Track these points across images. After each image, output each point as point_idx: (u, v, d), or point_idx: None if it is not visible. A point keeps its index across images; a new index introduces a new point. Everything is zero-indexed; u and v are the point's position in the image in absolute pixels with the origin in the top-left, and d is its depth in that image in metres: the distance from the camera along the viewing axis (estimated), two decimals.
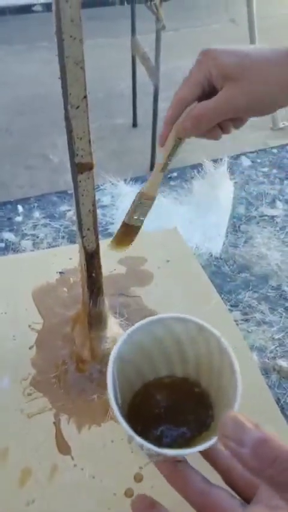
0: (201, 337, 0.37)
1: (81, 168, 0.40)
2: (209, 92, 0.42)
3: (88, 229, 0.44)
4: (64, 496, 0.43)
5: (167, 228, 0.73)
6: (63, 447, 0.47)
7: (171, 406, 0.38)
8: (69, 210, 0.78)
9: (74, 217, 0.77)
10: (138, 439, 0.31)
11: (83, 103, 0.37)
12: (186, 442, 0.36)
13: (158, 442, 0.35)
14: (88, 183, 0.41)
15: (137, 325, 0.36)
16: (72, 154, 0.39)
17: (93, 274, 0.47)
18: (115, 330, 0.54)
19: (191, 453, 0.31)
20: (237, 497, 0.32)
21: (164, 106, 2.09)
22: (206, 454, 0.34)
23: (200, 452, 0.32)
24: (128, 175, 2.20)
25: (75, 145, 0.38)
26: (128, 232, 0.49)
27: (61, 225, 0.75)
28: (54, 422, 0.49)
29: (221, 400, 0.35)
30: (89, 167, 0.40)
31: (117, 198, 0.81)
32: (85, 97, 0.36)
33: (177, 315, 0.37)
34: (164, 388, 0.39)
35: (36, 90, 2.81)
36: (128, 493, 0.43)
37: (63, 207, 0.78)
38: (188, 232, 0.73)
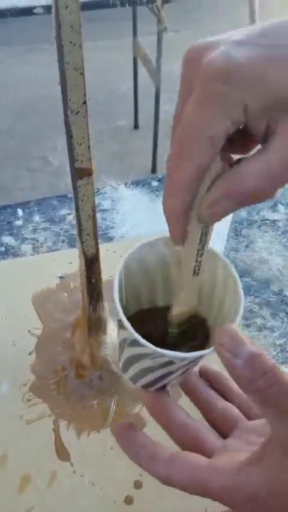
0: (207, 265, 0.32)
1: (80, 173, 0.39)
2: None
3: (88, 234, 0.44)
4: (63, 503, 0.42)
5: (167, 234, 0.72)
6: (62, 454, 0.46)
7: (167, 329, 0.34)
8: (70, 214, 0.78)
9: (74, 221, 0.77)
10: (143, 340, 0.28)
11: (82, 108, 0.37)
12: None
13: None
14: (88, 189, 0.40)
15: (142, 241, 0.32)
16: (72, 159, 0.39)
17: (93, 280, 0.47)
18: (115, 336, 0.54)
19: (189, 357, 0.29)
20: (216, 433, 0.32)
21: (165, 108, 2.10)
22: (188, 390, 0.34)
23: (182, 387, 0.33)
24: (129, 178, 2.20)
25: (75, 151, 0.38)
26: None
27: (61, 229, 0.75)
28: (53, 429, 0.48)
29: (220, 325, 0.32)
30: (88, 173, 0.40)
31: (117, 202, 0.81)
32: (84, 102, 0.36)
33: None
34: (160, 314, 0.35)
35: (36, 93, 2.81)
36: (128, 500, 0.43)
37: (64, 211, 0.78)
38: None
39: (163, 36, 1.73)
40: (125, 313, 0.30)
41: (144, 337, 0.30)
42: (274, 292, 1.26)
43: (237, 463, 0.27)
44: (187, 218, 0.27)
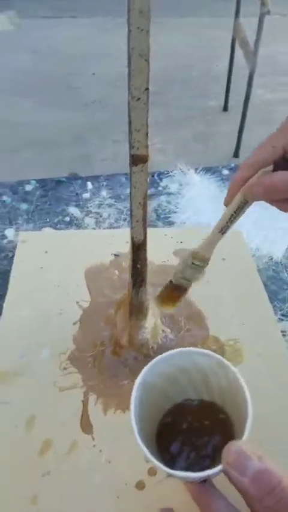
0: (221, 371, 0.38)
1: (136, 160, 0.39)
2: None
3: (137, 221, 0.44)
4: (78, 474, 0.44)
5: (232, 230, 0.71)
6: (86, 426, 0.48)
7: (198, 427, 0.39)
8: None
9: None
10: (156, 462, 0.34)
11: (144, 95, 0.36)
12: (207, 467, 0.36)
13: (181, 460, 0.37)
14: (141, 176, 0.40)
15: (159, 356, 0.39)
16: (129, 145, 0.39)
17: (138, 266, 0.48)
18: (154, 321, 0.54)
19: (195, 478, 0.32)
20: None
21: (257, 92, 2.02)
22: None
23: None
24: (209, 160, 2.15)
25: (132, 137, 0.38)
26: (175, 291, 0.47)
27: (125, 207, 0.75)
28: (82, 400, 0.50)
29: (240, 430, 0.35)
30: (143, 160, 0.39)
31: (184, 186, 0.79)
32: (147, 89, 0.36)
33: (199, 349, 0.39)
34: (193, 409, 0.41)
35: None
36: (140, 486, 0.44)
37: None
38: (251, 232, 0.70)
39: (266, 18, 1.65)
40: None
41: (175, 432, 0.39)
42: None
43: None
44: (238, 189, 0.38)
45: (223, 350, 0.55)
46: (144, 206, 0.43)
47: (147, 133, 0.38)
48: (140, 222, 0.44)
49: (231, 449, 0.28)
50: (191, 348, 0.40)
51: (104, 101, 2.59)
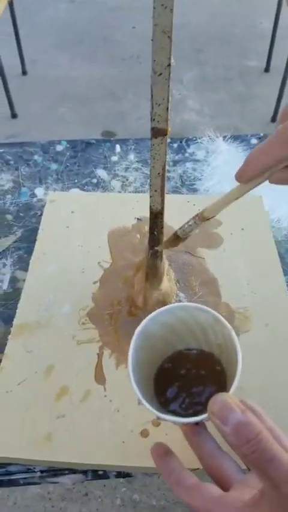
0: (218, 327, 0.42)
1: (156, 132, 0.41)
2: None
3: (155, 190, 0.46)
4: (89, 418, 0.49)
5: (253, 195, 0.71)
6: (99, 377, 0.52)
7: (195, 376, 0.42)
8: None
9: None
10: (145, 403, 0.38)
11: (166, 71, 0.37)
12: (199, 412, 0.40)
13: (175, 404, 0.42)
14: (161, 148, 0.42)
15: (161, 308, 0.43)
16: (150, 118, 0.41)
17: (155, 233, 0.50)
18: (169, 285, 0.57)
19: (184, 422, 0.36)
20: (241, 466, 0.38)
21: None
22: None
23: None
24: (244, 124, 2.11)
25: (153, 111, 0.40)
26: (176, 241, 0.49)
27: None
28: (97, 354, 0.54)
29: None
30: (163, 133, 0.41)
31: (211, 154, 0.80)
32: (169, 65, 0.37)
33: (198, 305, 0.43)
34: (192, 358, 0.44)
35: (178, 20, 2.72)
36: (144, 433, 0.48)
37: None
38: (274, 202, 0.71)
39: None
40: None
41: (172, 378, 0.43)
42: None
43: (241, 502, 0.31)
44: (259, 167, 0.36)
45: (233, 317, 0.58)
46: (163, 177, 0.45)
47: (167, 108, 0.40)
48: (158, 191, 0.46)
49: (217, 399, 0.31)
50: (190, 303, 0.44)
51: (142, 56, 2.54)
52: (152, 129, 0.41)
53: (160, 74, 0.37)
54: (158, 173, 0.44)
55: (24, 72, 2.53)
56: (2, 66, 2.10)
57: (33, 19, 2.82)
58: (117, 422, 0.49)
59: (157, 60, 0.37)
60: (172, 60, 0.37)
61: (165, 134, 0.41)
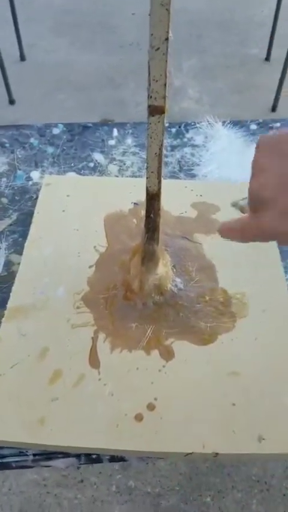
0: None
1: (153, 110, 0.40)
2: None
3: (152, 172, 0.45)
4: (82, 402, 0.48)
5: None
6: (94, 361, 0.52)
7: None
8: None
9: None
10: None
11: (163, 45, 0.36)
12: None
13: None
14: (158, 127, 0.41)
15: None
16: (147, 95, 0.40)
17: (152, 215, 0.49)
18: (165, 270, 0.56)
19: None
20: None
21: None
22: None
23: None
24: (245, 112, 2.09)
25: (150, 87, 0.39)
26: None
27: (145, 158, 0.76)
28: (92, 338, 0.54)
29: None
30: (160, 111, 0.40)
31: (210, 139, 0.79)
32: (167, 39, 0.36)
33: None
34: None
35: (180, 4, 2.68)
36: (138, 417, 0.48)
37: None
38: None
39: None
40: None
41: None
42: None
43: None
44: None
45: (230, 302, 0.57)
46: (160, 157, 0.44)
47: (165, 84, 0.39)
48: (155, 172, 0.45)
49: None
50: None
51: (142, 43, 2.50)
52: (149, 106, 0.40)
53: (158, 49, 0.36)
54: (155, 153, 0.43)
55: (22, 58, 2.50)
56: (0, 51, 2.07)
57: (31, 4, 2.78)
58: (112, 406, 0.48)
59: (155, 34, 0.36)
60: (170, 34, 0.36)
61: (163, 112, 0.40)
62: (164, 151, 0.78)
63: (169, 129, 0.81)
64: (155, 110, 0.40)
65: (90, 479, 1.23)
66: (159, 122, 0.41)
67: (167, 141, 0.79)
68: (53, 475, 1.23)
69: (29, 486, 1.22)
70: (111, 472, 1.24)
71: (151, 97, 0.39)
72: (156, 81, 0.38)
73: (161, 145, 0.43)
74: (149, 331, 0.54)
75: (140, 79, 2.25)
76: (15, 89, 2.21)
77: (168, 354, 0.52)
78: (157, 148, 0.43)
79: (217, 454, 0.46)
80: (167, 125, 0.78)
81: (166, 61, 0.37)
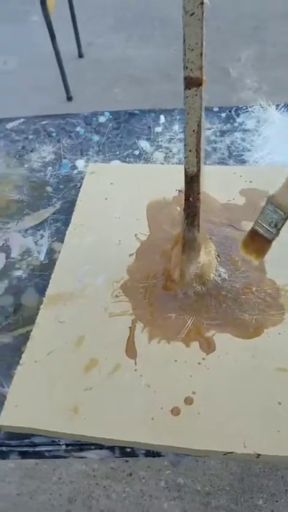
0: None
1: (189, 83, 0.37)
2: None
3: (190, 150, 0.42)
4: (117, 392, 0.47)
5: None
6: (131, 351, 0.50)
7: None
8: (210, 129, 0.75)
9: (212, 137, 0.75)
10: None
11: (198, 10, 0.34)
12: None
13: None
14: (195, 101, 0.38)
15: None
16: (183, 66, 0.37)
17: (191, 199, 0.46)
18: (208, 259, 0.53)
19: None
20: None
21: None
22: None
23: None
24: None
25: (186, 57, 0.36)
26: (257, 241, 0.45)
27: None
28: (130, 327, 0.52)
29: None
30: (197, 83, 0.37)
31: (262, 123, 0.74)
32: (202, 3, 0.33)
33: None
34: None
35: None
36: (174, 411, 0.45)
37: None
38: None
39: None
40: None
41: None
42: None
43: None
44: None
45: (278, 294, 0.53)
46: (198, 134, 0.41)
47: (201, 53, 0.36)
48: (194, 151, 0.42)
49: None
50: None
51: None
52: (185, 79, 0.37)
53: (192, 14, 0.34)
54: (193, 130, 0.40)
55: (80, 55, 2.53)
56: (58, 50, 2.11)
57: (90, 2, 2.81)
58: (147, 398, 0.46)
59: None
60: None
61: (200, 84, 0.37)
62: (213, 137, 0.75)
63: (219, 114, 0.78)
64: (192, 82, 0.37)
65: (138, 473, 1.22)
66: (196, 95, 0.38)
67: (216, 127, 0.76)
68: (102, 467, 1.23)
69: (78, 476, 1.23)
70: (160, 467, 1.22)
71: (187, 68, 0.36)
72: (192, 50, 0.35)
73: (200, 121, 0.40)
74: (189, 322, 0.51)
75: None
76: (73, 86, 2.24)
77: (208, 347, 0.49)
78: (195, 124, 0.40)
79: (259, 455, 0.42)
80: (216, 109, 0.75)
81: (202, 28, 0.34)
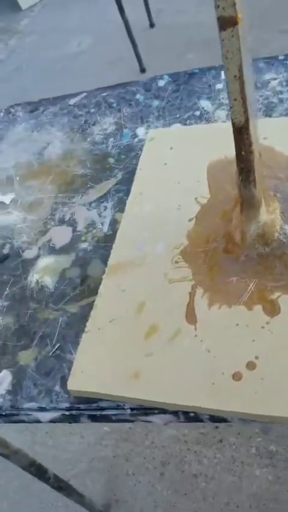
0: None
1: (223, 23, 0.34)
2: None
3: (235, 99, 0.39)
4: (178, 357, 0.46)
5: None
6: (191, 317, 0.49)
7: None
8: (275, 79, 0.70)
9: (278, 88, 0.69)
10: None
11: None
12: None
13: None
14: (233, 42, 0.35)
15: None
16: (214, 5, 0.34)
17: (243, 152, 0.43)
18: (270, 218, 0.50)
19: None
20: None
21: None
22: None
23: None
24: None
25: None
26: None
27: (261, 96, 0.67)
28: (189, 293, 0.51)
29: None
30: (232, 22, 0.34)
31: None
32: None
33: None
34: None
35: None
36: (236, 377, 0.44)
37: (269, 75, 0.70)
38: None
39: None
40: None
41: None
42: None
43: None
44: None
45: None
46: (241, 80, 0.38)
47: None
48: (239, 99, 0.39)
49: None
50: None
51: None
52: (218, 19, 0.34)
53: None
54: (235, 76, 0.37)
55: (151, 25, 2.49)
56: (129, 23, 2.08)
57: None
58: (208, 363, 0.45)
59: None
60: None
61: (235, 23, 0.34)
62: (279, 87, 0.69)
63: (285, 61, 0.72)
64: (226, 22, 0.34)
65: (229, 440, 1.22)
66: (233, 36, 0.35)
67: (283, 76, 0.70)
68: (192, 432, 1.25)
69: (170, 441, 1.26)
70: (250, 434, 1.21)
71: (219, 6, 0.33)
72: None
73: (240, 65, 0.37)
74: (251, 285, 0.49)
75: (268, 25, 2.07)
76: (146, 56, 2.21)
77: (273, 310, 0.47)
78: (236, 69, 0.37)
79: None
80: (282, 57, 0.69)
81: None
